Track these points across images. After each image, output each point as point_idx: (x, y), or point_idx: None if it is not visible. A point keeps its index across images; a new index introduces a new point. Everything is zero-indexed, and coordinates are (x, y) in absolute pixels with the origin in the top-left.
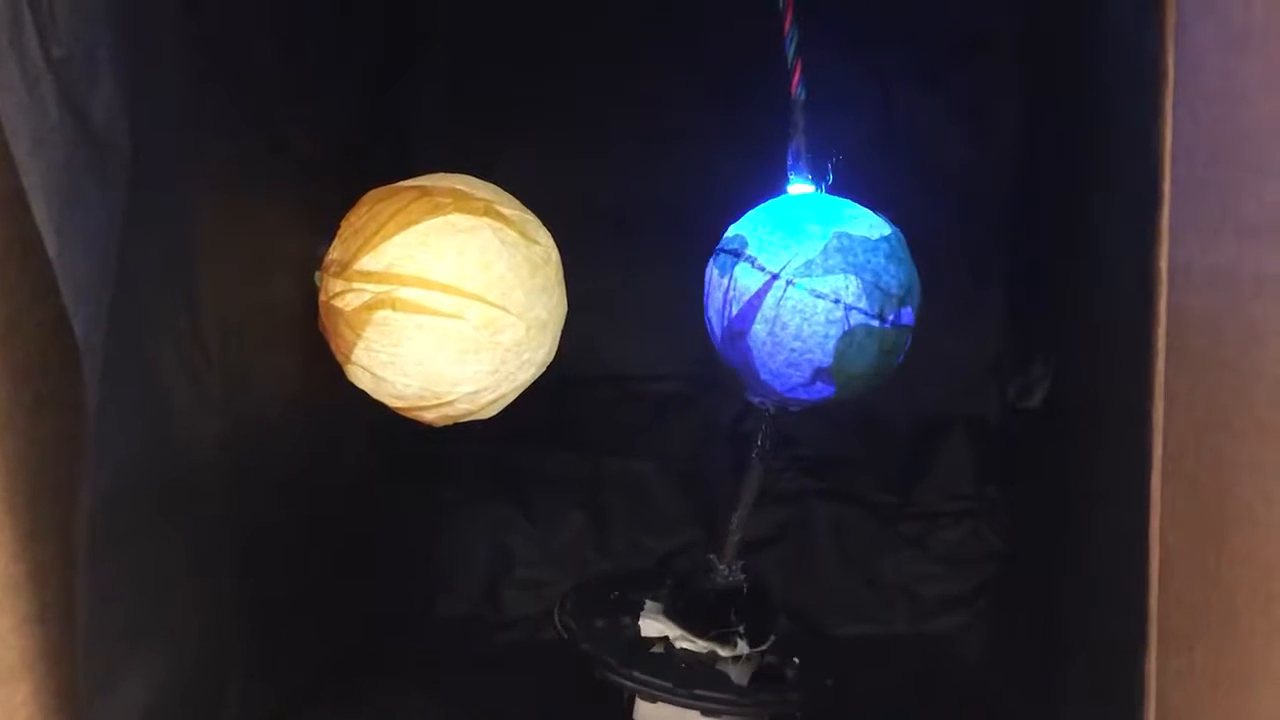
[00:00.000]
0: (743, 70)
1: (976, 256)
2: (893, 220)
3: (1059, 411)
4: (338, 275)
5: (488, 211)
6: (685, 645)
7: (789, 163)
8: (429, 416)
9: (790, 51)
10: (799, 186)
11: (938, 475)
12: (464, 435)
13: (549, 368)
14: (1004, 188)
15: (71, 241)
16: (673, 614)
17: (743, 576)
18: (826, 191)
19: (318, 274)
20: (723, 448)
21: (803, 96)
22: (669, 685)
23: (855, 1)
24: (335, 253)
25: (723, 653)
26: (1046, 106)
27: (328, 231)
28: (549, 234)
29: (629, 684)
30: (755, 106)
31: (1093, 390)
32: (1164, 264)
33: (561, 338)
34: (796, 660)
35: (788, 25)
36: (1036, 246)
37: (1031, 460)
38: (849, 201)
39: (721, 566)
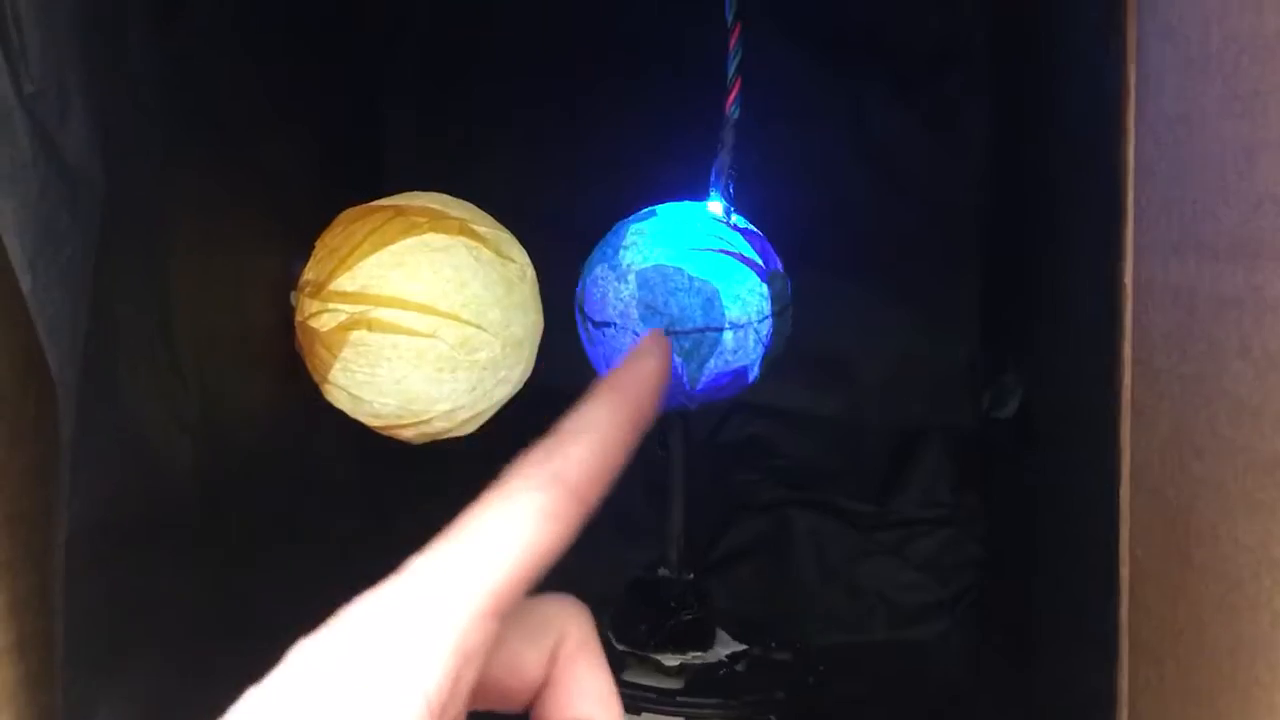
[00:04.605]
0: (721, 87)
1: (950, 266)
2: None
3: (1032, 422)
4: (313, 296)
5: (463, 230)
6: (655, 656)
7: (711, 179)
8: (407, 435)
9: (731, 70)
10: (714, 204)
11: (915, 484)
12: (443, 453)
13: (526, 383)
14: (976, 198)
15: (45, 276)
16: (640, 627)
17: (686, 576)
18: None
19: (293, 294)
20: (699, 459)
21: (735, 115)
22: (651, 696)
23: (828, 13)
24: (310, 273)
25: (687, 659)
26: (1016, 120)
27: (302, 252)
28: (524, 251)
29: None
30: (734, 123)
31: (1064, 402)
32: (1129, 280)
33: (538, 353)
34: (765, 664)
35: (732, 43)
36: (1009, 257)
37: (1007, 469)
38: (715, 225)
39: (664, 571)
